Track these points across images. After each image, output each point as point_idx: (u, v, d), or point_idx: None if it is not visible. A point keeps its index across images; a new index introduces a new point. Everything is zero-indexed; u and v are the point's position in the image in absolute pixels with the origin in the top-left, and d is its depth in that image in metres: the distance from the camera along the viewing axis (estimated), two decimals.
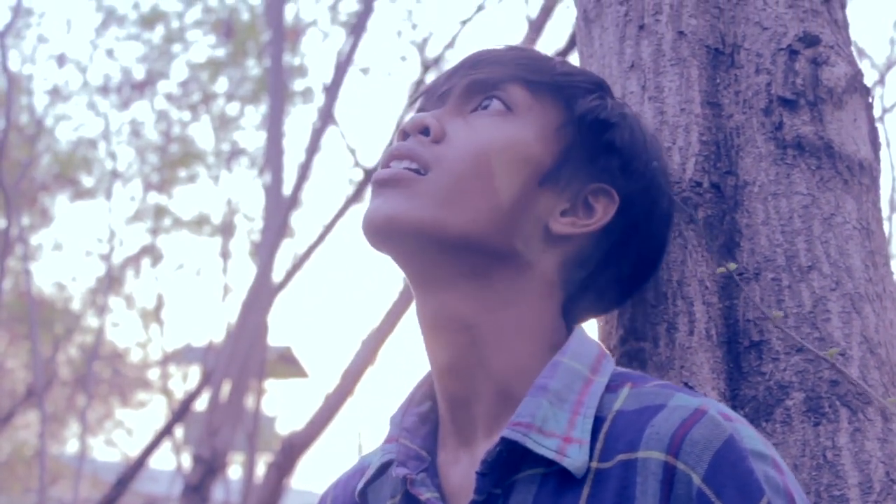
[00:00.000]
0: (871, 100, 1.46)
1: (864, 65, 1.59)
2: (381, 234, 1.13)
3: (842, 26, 1.49)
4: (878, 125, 1.45)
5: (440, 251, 1.13)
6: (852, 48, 1.49)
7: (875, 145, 1.44)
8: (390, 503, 1.17)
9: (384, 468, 1.16)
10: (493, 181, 1.14)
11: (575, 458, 1.05)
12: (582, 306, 1.22)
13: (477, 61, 1.23)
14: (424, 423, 1.19)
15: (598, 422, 1.08)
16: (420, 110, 1.25)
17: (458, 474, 1.14)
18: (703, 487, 0.99)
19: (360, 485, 1.18)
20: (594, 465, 1.05)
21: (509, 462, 1.08)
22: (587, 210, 1.19)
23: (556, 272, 1.18)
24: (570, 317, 1.20)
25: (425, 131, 1.18)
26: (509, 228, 1.14)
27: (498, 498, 1.07)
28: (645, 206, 1.23)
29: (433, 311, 1.16)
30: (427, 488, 1.12)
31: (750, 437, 1.03)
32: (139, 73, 14.45)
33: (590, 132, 1.20)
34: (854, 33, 1.55)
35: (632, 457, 1.03)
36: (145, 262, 17.23)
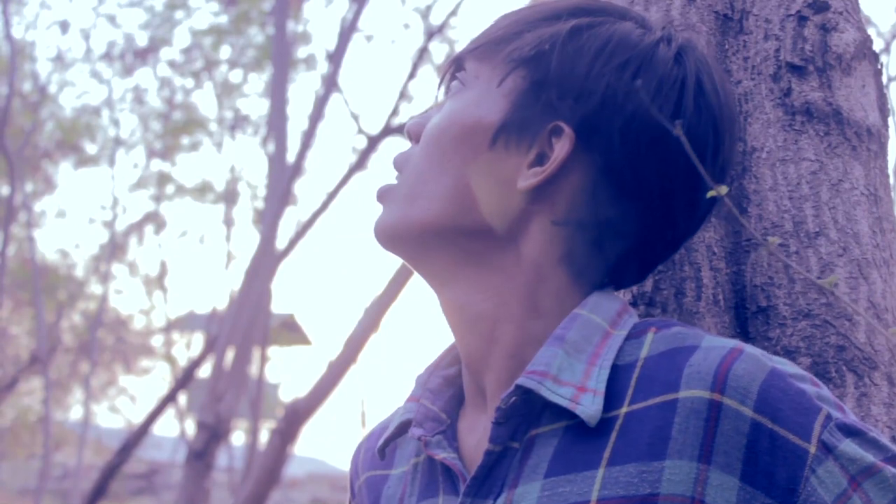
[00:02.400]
0: (879, 66, 1.46)
1: (870, 32, 1.58)
2: (381, 245, 1.14)
3: None
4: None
5: (420, 246, 1.12)
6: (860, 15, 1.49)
7: (883, 112, 1.43)
8: (414, 461, 1.16)
9: (404, 426, 1.14)
10: (442, 163, 1.11)
11: (587, 406, 1.02)
12: (600, 271, 1.11)
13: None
14: (449, 386, 1.17)
15: (620, 370, 1.05)
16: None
17: (475, 439, 1.11)
18: (757, 417, 0.97)
19: (380, 441, 1.16)
20: (624, 409, 1.02)
21: (526, 414, 1.05)
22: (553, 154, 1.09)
23: (551, 233, 1.09)
24: (589, 286, 1.11)
25: (411, 137, 1.18)
26: (471, 203, 1.09)
27: (516, 452, 1.04)
28: (602, 135, 1.08)
29: (448, 307, 1.13)
30: (443, 449, 1.10)
31: (790, 365, 1.01)
32: (142, 41, 14.42)
33: (528, 69, 1.10)
34: (861, 1, 1.55)
35: (670, 397, 1.00)
36: (148, 229, 17.26)
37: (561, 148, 1.08)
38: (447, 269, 1.12)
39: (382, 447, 1.16)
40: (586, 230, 1.09)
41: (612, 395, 1.03)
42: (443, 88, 1.19)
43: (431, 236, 1.11)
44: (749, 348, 1.01)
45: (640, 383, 1.03)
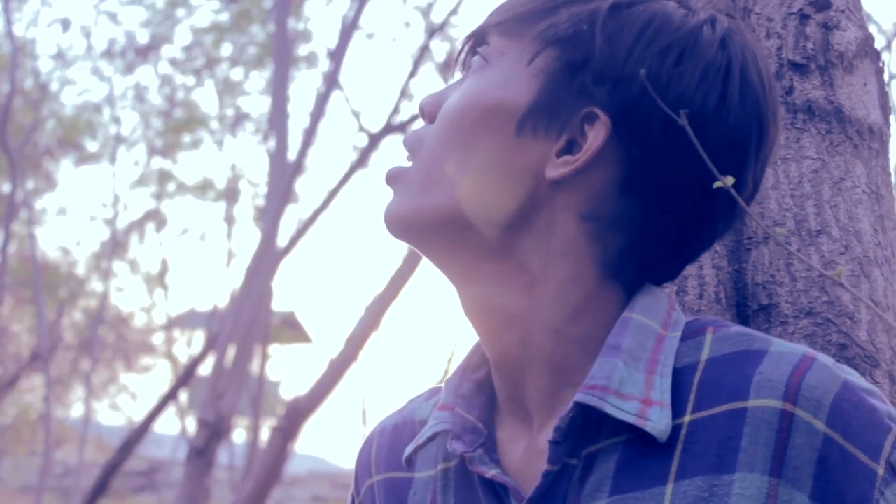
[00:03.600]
0: (881, 64, 1.46)
1: (871, 30, 1.58)
2: (393, 234, 1.05)
3: None
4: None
5: (436, 238, 1.03)
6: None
7: (885, 110, 1.44)
8: (443, 466, 1.08)
9: (438, 437, 1.06)
10: (461, 148, 1.01)
11: (657, 421, 0.95)
12: (633, 269, 1.03)
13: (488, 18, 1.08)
14: (481, 391, 1.07)
15: (680, 373, 0.98)
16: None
17: (518, 451, 1.03)
18: (829, 432, 0.92)
19: (409, 450, 1.07)
20: (687, 418, 0.95)
21: (585, 430, 0.98)
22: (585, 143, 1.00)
23: (580, 228, 1.00)
24: (625, 285, 1.03)
25: (424, 115, 1.08)
26: (493, 192, 1.00)
27: (574, 469, 0.97)
28: (641, 124, 0.99)
29: (473, 306, 1.04)
30: (487, 465, 1.01)
31: (860, 378, 0.96)
32: (143, 38, 14.41)
33: (562, 49, 1.01)
34: None
35: (739, 406, 0.94)
36: (150, 226, 17.26)
37: (595, 136, 0.99)
38: (467, 265, 1.03)
39: (410, 456, 1.08)
40: (617, 226, 1.01)
41: (675, 403, 0.97)
42: (458, 64, 1.10)
43: (449, 227, 1.01)
44: (820, 356, 0.96)
45: (702, 388, 0.97)
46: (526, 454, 1.02)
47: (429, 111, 1.07)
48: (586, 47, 1.00)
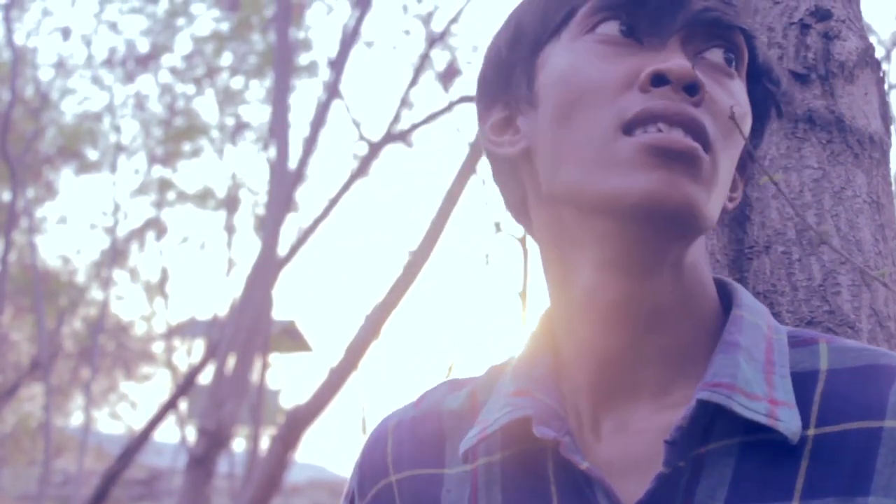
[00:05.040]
0: (881, 74, 1.46)
1: (871, 40, 1.59)
2: (676, 220, 0.89)
3: (853, 0, 1.49)
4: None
5: (688, 241, 0.94)
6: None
7: (886, 119, 1.44)
8: (484, 461, 1.00)
9: (517, 425, 0.96)
10: (730, 161, 0.95)
11: (789, 422, 0.89)
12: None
13: None
14: (554, 378, 0.99)
15: (798, 380, 0.93)
16: (605, 18, 0.96)
17: (607, 445, 0.95)
18: None
19: (472, 441, 0.97)
20: (811, 431, 0.89)
21: (697, 431, 0.91)
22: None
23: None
24: (711, 278, 1.01)
25: (691, 89, 0.91)
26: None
27: (682, 472, 0.90)
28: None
29: (626, 299, 0.94)
30: (581, 456, 0.92)
31: None
32: (144, 47, 14.44)
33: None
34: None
35: (873, 425, 0.88)
36: (150, 235, 17.27)
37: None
38: (662, 265, 0.94)
39: (472, 448, 0.98)
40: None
41: (798, 409, 0.91)
42: (694, 22, 0.95)
43: (703, 230, 0.93)
44: None
45: (827, 401, 0.91)
46: (622, 448, 0.94)
47: (707, 99, 0.92)
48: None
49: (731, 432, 0.90)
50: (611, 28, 0.96)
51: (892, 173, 1.43)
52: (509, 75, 1.03)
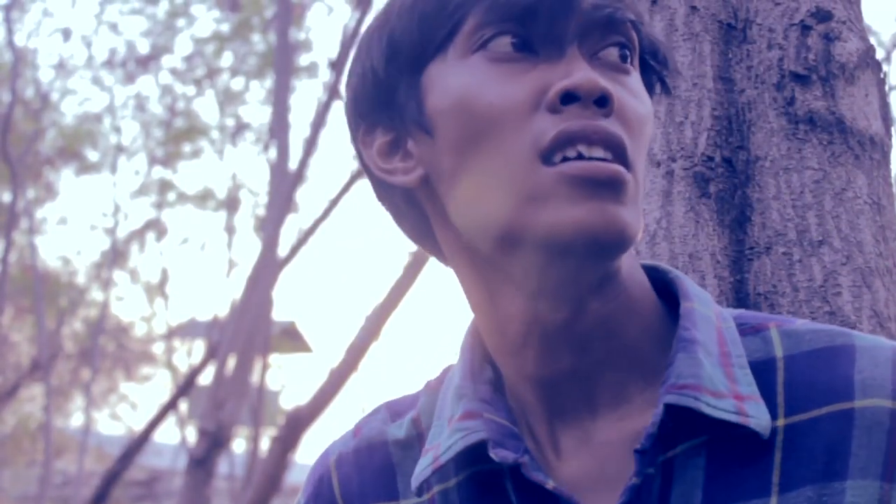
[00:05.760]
0: (882, 75, 1.46)
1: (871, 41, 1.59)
2: (610, 246, 0.86)
3: (853, 1, 1.49)
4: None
5: (620, 258, 0.91)
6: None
7: (886, 121, 1.44)
8: (440, 488, 0.96)
9: (472, 451, 0.92)
10: (644, 164, 0.93)
11: (759, 417, 0.87)
12: None
13: None
14: (500, 395, 0.95)
15: (756, 370, 0.90)
16: (495, 34, 0.90)
17: (569, 461, 0.92)
18: None
19: (424, 473, 0.93)
20: (780, 422, 0.88)
21: (664, 435, 0.88)
22: None
23: None
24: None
25: (602, 100, 0.87)
26: None
27: (652, 480, 0.87)
28: None
29: (565, 325, 0.90)
30: (545, 475, 0.88)
31: None
32: (144, 48, 14.45)
33: None
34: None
35: (844, 407, 0.87)
36: (150, 236, 17.27)
37: None
38: (606, 278, 0.91)
39: (423, 482, 0.94)
40: None
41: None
42: (588, 22, 0.91)
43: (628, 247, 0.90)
44: None
45: (791, 389, 0.89)
46: (584, 462, 0.92)
47: (617, 108, 0.89)
48: None
49: (696, 432, 0.88)
50: (502, 44, 0.90)
51: (893, 174, 1.43)
52: (390, 96, 0.95)
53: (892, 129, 1.45)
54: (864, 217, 1.35)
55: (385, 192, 1.00)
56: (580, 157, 0.86)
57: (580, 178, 0.85)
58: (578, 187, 0.85)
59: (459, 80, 0.90)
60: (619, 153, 0.87)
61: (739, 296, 1.33)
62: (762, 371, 0.91)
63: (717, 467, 0.87)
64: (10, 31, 10.91)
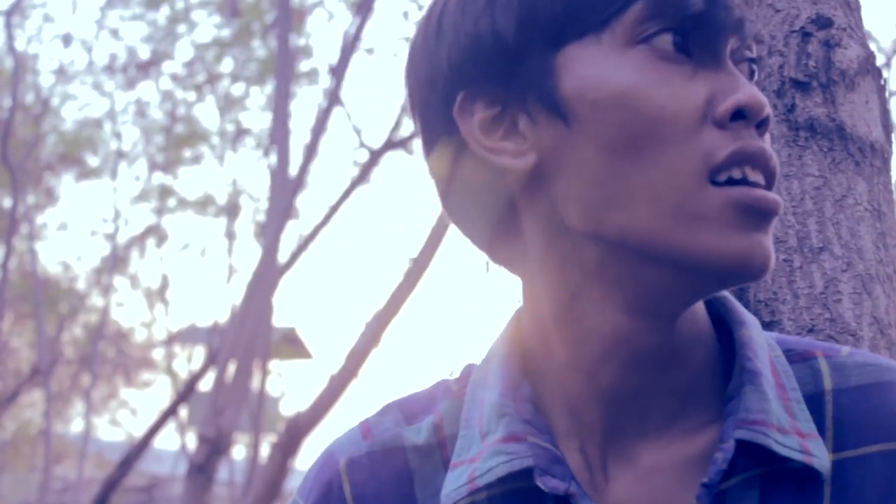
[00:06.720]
0: (883, 82, 1.46)
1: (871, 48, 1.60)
2: (756, 278, 0.84)
3: (854, 8, 1.49)
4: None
5: None
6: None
7: (887, 127, 1.44)
8: (486, 494, 0.89)
9: (518, 476, 0.87)
10: None
11: (821, 456, 0.85)
12: None
13: None
14: (540, 416, 0.91)
15: (807, 406, 0.88)
16: (661, 29, 0.84)
17: (617, 485, 0.89)
18: None
19: (463, 492, 0.88)
20: (830, 457, 0.86)
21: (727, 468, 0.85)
22: None
23: None
24: None
25: (765, 122, 0.85)
26: None
27: None
28: None
29: (656, 343, 0.87)
30: (592, 503, 0.86)
31: None
32: (144, 53, 14.45)
33: None
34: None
35: (894, 447, 0.85)
36: (150, 242, 17.27)
37: None
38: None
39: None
40: None
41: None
42: (735, 43, 0.88)
43: None
44: None
45: (840, 425, 0.87)
46: (619, 490, 0.88)
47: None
48: None
49: (753, 464, 0.85)
50: (665, 41, 0.84)
51: (893, 181, 1.43)
52: (514, 66, 0.87)
53: (893, 135, 1.45)
54: (865, 224, 1.35)
55: (470, 171, 0.91)
56: (744, 180, 0.82)
57: (749, 207, 0.82)
58: (745, 216, 0.82)
59: (623, 73, 0.83)
60: (771, 182, 0.84)
61: (741, 302, 1.33)
62: (813, 404, 0.89)
63: (770, 501, 0.85)
64: (10, 37, 10.92)
